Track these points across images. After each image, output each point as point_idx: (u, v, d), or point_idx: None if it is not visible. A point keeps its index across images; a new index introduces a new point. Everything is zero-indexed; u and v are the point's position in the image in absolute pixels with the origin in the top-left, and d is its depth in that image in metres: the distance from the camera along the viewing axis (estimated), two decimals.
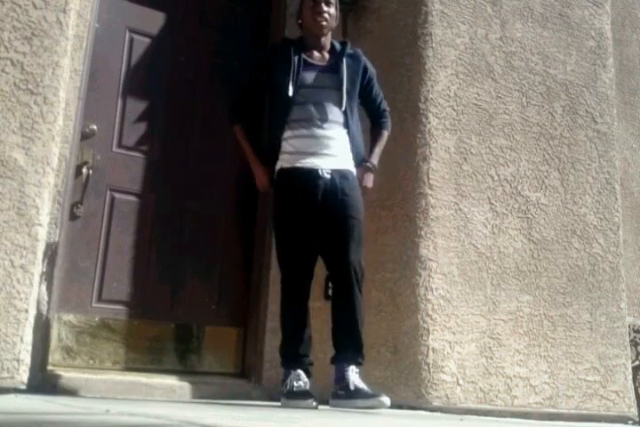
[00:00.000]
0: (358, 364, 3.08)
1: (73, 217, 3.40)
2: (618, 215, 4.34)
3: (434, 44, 3.85)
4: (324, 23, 3.25)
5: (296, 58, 3.19)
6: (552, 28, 4.35)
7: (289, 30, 3.91)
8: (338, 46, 3.33)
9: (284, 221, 3.15)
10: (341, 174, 3.16)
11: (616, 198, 4.35)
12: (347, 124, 3.22)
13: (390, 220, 3.70)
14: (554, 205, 4.10)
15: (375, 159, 3.33)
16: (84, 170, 3.42)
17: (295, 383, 3.00)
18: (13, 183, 2.77)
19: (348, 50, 3.31)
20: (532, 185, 4.04)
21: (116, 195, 3.59)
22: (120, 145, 3.64)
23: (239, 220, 3.89)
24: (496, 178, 3.92)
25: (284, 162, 3.18)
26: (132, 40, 3.75)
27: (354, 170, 3.23)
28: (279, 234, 3.18)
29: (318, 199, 3.11)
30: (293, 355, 3.10)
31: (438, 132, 3.76)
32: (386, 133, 3.41)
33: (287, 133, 3.17)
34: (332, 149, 3.17)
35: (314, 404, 2.94)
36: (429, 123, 3.75)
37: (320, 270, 3.64)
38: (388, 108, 3.46)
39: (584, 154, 4.29)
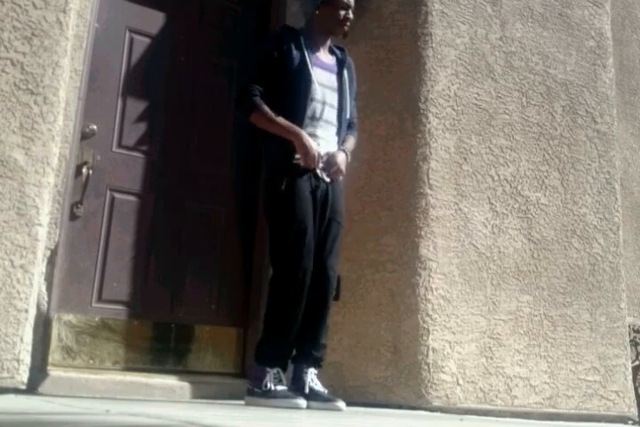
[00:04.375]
0: (318, 366, 3.08)
1: (73, 217, 3.40)
2: (618, 215, 4.34)
3: (434, 44, 3.85)
4: (347, 29, 3.32)
5: (307, 52, 3.17)
6: (552, 28, 4.34)
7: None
8: (336, 50, 3.34)
9: (295, 218, 3.05)
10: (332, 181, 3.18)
11: (616, 198, 4.35)
12: (340, 128, 3.23)
13: (390, 220, 3.70)
14: (554, 205, 4.10)
15: (348, 147, 3.27)
16: (84, 170, 3.41)
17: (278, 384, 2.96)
18: (13, 183, 2.77)
19: (348, 57, 3.36)
20: (531, 185, 4.04)
21: (116, 195, 3.59)
22: (120, 145, 3.63)
23: (239, 220, 3.89)
24: (496, 178, 3.92)
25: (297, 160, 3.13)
26: (131, 40, 3.74)
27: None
28: (288, 230, 3.05)
29: (319, 200, 3.12)
30: (283, 355, 3.06)
31: (438, 132, 3.76)
32: (353, 139, 3.35)
33: (306, 131, 3.12)
34: (326, 150, 3.17)
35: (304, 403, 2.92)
36: (429, 123, 3.75)
37: None
38: (357, 125, 3.43)
39: (584, 154, 4.29)
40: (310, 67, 3.14)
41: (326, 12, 3.28)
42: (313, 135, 3.13)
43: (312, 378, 3.04)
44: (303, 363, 3.05)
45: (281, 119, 3.08)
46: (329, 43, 3.34)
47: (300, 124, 3.10)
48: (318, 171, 3.11)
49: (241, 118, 3.37)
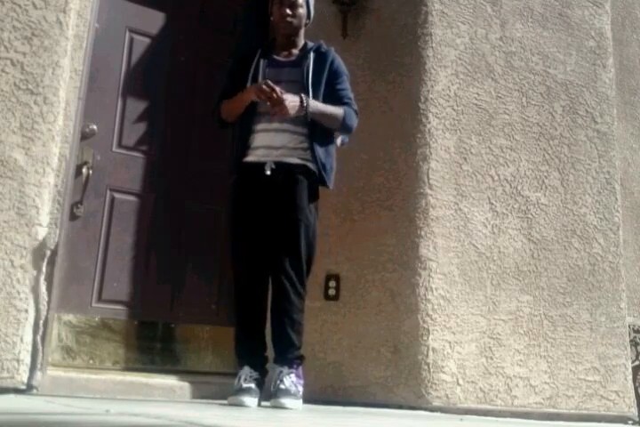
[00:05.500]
0: (291, 366, 2.99)
1: (73, 217, 3.40)
2: (618, 215, 4.34)
3: (434, 44, 3.85)
4: (288, 25, 3.25)
5: (260, 55, 3.21)
6: (552, 28, 4.34)
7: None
8: (311, 45, 3.30)
9: (238, 218, 3.11)
10: (286, 169, 3.07)
11: (616, 198, 4.35)
12: (307, 119, 3.11)
13: (390, 220, 3.70)
14: (554, 205, 4.10)
15: (318, 103, 3.12)
16: (84, 170, 3.41)
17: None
18: (13, 183, 2.77)
19: (321, 48, 3.27)
20: (532, 185, 4.04)
21: (116, 195, 3.59)
22: (120, 145, 3.64)
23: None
24: (496, 178, 3.92)
25: (250, 157, 3.13)
26: (131, 40, 3.75)
27: (310, 165, 3.10)
28: (235, 230, 3.12)
29: (259, 194, 3.06)
30: (247, 353, 3.07)
31: (438, 132, 3.76)
32: (338, 109, 3.17)
33: (254, 127, 3.13)
34: (277, 142, 3.10)
35: (254, 403, 2.89)
36: (429, 123, 3.75)
37: (320, 270, 3.64)
38: (356, 108, 3.27)
39: (584, 154, 4.29)
40: (255, 69, 3.17)
41: (273, 13, 3.31)
42: (263, 130, 3.12)
43: (282, 377, 2.96)
44: (275, 363, 3.04)
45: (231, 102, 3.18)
46: (297, 41, 3.29)
47: (248, 122, 3.13)
48: (266, 164, 3.06)
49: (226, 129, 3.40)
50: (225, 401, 2.93)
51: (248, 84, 3.14)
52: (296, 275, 3.02)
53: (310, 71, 3.16)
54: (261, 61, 3.21)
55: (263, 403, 2.94)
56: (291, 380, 2.94)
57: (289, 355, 3.00)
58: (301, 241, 3.04)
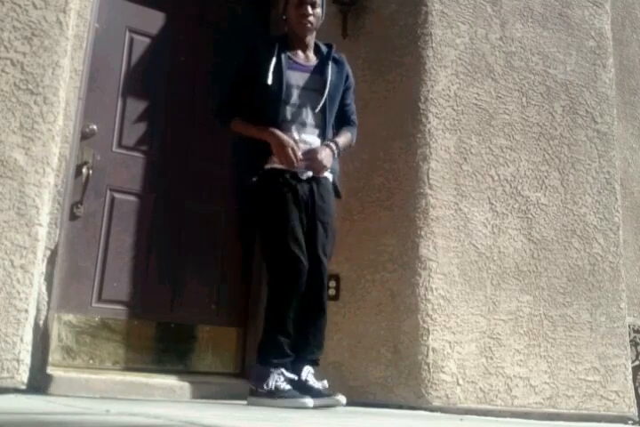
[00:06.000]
0: (315, 365, 3.07)
1: (73, 217, 3.40)
2: (618, 215, 4.34)
3: (434, 44, 3.85)
4: (309, 25, 3.22)
5: (282, 56, 3.15)
6: (552, 28, 4.34)
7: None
8: (323, 48, 3.29)
9: (280, 217, 3.05)
10: (315, 177, 3.13)
11: (616, 198, 4.35)
12: (323, 130, 3.17)
13: (390, 220, 3.70)
14: (554, 205, 4.10)
15: (340, 141, 3.20)
16: (84, 170, 3.42)
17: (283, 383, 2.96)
18: (13, 183, 2.77)
19: (334, 54, 3.28)
20: (532, 185, 4.04)
21: (116, 195, 3.59)
22: (120, 145, 3.64)
23: (239, 220, 3.89)
24: (496, 178, 3.92)
25: (275, 163, 3.10)
26: (131, 40, 3.75)
27: (329, 176, 3.20)
28: (277, 229, 3.05)
29: (301, 203, 3.08)
30: (285, 354, 3.03)
31: (438, 132, 3.76)
32: (349, 135, 3.30)
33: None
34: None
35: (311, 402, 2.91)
36: (429, 123, 3.75)
37: None
38: (356, 122, 3.37)
39: (584, 154, 4.29)
40: (284, 71, 3.11)
41: (289, 13, 3.26)
42: (298, 140, 3.11)
43: (309, 377, 3.03)
44: (300, 363, 3.05)
45: (251, 126, 3.13)
46: (310, 43, 3.27)
47: (276, 128, 3.08)
48: (298, 170, 3.08)
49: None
50: (225, 401, 2.92)
51: (269, 80, 3.06)
52: (326, 278, 3.13)
53: (329, 81, 3.19)
54: (282, 61, 3.14)
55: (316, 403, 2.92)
56: (316, 379, 3.03)
57: (318, 355, 3.08)
58: (331, 247, 3.16)
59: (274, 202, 3.07)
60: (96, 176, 3.49)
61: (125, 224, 3.59)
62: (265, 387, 2.93)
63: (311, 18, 3.21)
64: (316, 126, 3.17)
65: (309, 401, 2.88)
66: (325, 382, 3.06)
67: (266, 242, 3.12)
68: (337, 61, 3.27)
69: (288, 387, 2.94)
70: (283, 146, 3.04)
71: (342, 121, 3.33)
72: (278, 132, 3.06)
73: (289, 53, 3.20)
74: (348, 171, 3.63)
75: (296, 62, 3.20)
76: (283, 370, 2.98)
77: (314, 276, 3.06)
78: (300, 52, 3.25)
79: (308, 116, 3.15)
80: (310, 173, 3.11)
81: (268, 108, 3.11)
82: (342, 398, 2.97)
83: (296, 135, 3.11)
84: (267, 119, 3.10)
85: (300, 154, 3.05)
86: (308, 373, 3.04)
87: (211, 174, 3.82)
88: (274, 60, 3.11)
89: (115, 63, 3.67)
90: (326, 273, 3.12)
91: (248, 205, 3.23)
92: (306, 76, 3.18)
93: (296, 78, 3.15)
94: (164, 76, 3.81)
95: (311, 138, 3.15)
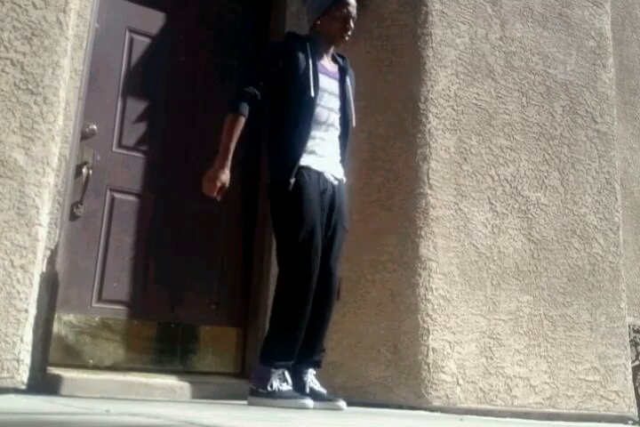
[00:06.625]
0: (317, 367, 3.10)
1: (73, 217, 3.40)
2: (618, 215, 4.34)
3: (434, 44, 3.85)
4: (346, 40, 3.33)
5: (313, 59, 3.19)
6: (552, 28, 4.34)
7: (289, 30, 3.90)
8: (339, 59, 3.37)
9: (306, 215, 3.04)
10: (340, 181, 3.23)
11: (616, 198, 4.35)
12: (343, 133, 3.28)
13: (390, 220, 3.70)
14: (554, 205, 4.10)
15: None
16: (84, 170, 3.41)
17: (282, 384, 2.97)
18: (13, 183, 2.77)
19: (347, 61, 3.39)
20: (532, 185, 4.04)
21: (116, 195, 3.59)
22: (120, 145, 3.63)
23: (239, 220, 3.89)
24: (496, 178, 3.92)
25: (310, 161, 3.11)
26: (131, 40, 3.75)
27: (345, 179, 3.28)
28: (300, 227, 3.02)
29: (326, 203, 3.14)
30: (290, 355, 3.02)
31: (438, 132, 3.76)
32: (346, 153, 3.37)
33: (313, 134, 3.15)
34: (335, 155, 3.24)
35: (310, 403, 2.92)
36: (429, 123, 3.75)
37: None
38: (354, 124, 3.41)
39: (584, 154, 4.29)
40: (317, 73, 3.17)
41: (328, 22, 3.27)
42: (319, 138, 3.16)
43: (311, 379, 3.06)
44: (302, 364, 3.05)
45: (233, 136, 3.07)
46: (332, 51, 3.35)
47: (308, 127, 3.11)
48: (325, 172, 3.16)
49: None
50: (225, 401, 2.93)
51: (311, 90, 3.11)
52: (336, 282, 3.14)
53: (349, 90, 3.31)
54: (317, 66, 3.19)
55: (316, 405, 2.93)
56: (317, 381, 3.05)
57: (320, 358, 3.10)
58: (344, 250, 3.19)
59: (300, 204, 3.05)
60: (96, 176, 3.49)
61: (125, 224, 3.59)
62: (266, 387, 2.93)
63: (350, 32, 3.31)
64: (337, 128, 3.26)
65: (309, 402, 2.89)
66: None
67: (285, 242, 3.09)
68: (350, 72, 3.38)
69: (288, 388, 2.95)
70: (216, 178, 3.03)
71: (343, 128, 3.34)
72: (224, 169, 3.06)
73: (317, 58, 3.25)
74: (348, 171, 3.63)
75: (324, 67, 3.26)
76: (284, 371, 2.98)
77: (324, 282, 3.07)
78: (325, 57, 3.31)
79: (332, 118, 3.23)
80: (338, 176, 3.21)
81: (305, 108, 3.12)
82: (343, 404, 2.98)
83: (323, 135, 3.18)
84: (302, 118, 3.11)
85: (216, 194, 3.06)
86: (310, 375, 3.07)
87: None
88: (311, 67, 3.15)
89: (115, 63, 3.67)
90: (336, 281, 3.14)
91: (275, 203, 3.15)
92: (330, 81, 3.26)
93: (324, 82, 3.21)
94: (164, 76, 3.81)
95: (333, 137, 3.24)
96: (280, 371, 2.97)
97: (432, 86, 3.80)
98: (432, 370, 3.46)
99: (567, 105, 4.29)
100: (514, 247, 3.89)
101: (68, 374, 3.18)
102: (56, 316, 3.27)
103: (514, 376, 3.72)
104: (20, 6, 2.87)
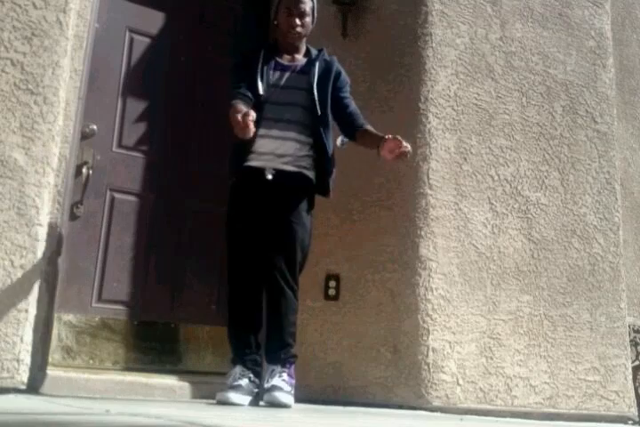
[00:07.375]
0: (283, 365, 3.00)
1: (73, 217, 3.40)
2: (618, 215, 4.34)
3: (434, 44, 3.85)
4: (297, 35, 3.26)
5: (266, 58, 3.19)
6: (552, 28, 4.34)
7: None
8: (314, 52, 3.32)
9: (236, 219, 3.10)
10: (286, 176, 3.10)
11: (616, 198, 4.35)
12: (315, 127, 3.16)
13: (390, 220, 3.70)
14: (554, 205, 4.10)
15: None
16: (84, 170, 3.42)
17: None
18: (13, 183, 2.77)
19: (324, 55, 3.31)
20: (532, 185, 4.04)
21: (116, 195, 3.59)
22: (120, 145, 3.64)
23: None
24: (496, 178, 3.92)
25: (254, 161, 3.11)
26: (131, 40, 3.75)
27: (310, 174, 3.16)
28: (233, 231, 3.11)
29: (259, 198, 3.07)
30: (242, 354, 3.05)
31: (438, 132, 3.76)
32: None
33: (258, 132, 3.05)
34: (281, 150, 3.12)
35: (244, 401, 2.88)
36: (429, 123, 3.75)
37: (320, 270, 3.65)
38: (359, 112, 3.33)
39: (584, 154, 4.29)
40: (262, 71, 3.13)
41: (280, 18, 3.28)
42: (268, 136, 3.10)
43: (274, 376, 2.97)
44: (269, 362, 3.04)
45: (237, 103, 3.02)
46: (300, 46, 3.30)
47: (256, 126, 3.00)
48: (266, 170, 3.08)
49: None
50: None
51: (260, 88, 3.09)
52: (290, 275, 3.04)
53: (316, 79, 3.19)
54: (268, 64, 3.17)
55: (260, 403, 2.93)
56: (282, 378, 2.94)
57: (282, 354, 3.01)
58: (297, 242, 3.06)
59: (233, 204, 3.12)
60: (96, 176, 3.49)
61: (125, 224, 3.59)
62: (226, 384, 2.96)
63: (299, 29, 3.24)
64: (303, 123, 3.16)
65: (233, 396, 2.85)
66: (289, 382, 2.98)
67: (226, 240, 3.14)
68: (326, 61, 3.29)
69: (239, 383, 2.93)
70: (233, 114, 2.90)
71: (348, 120, 3.30)
72: (237, 108, 2.96)
73: (276, 56, 3.23)
74: (348, 171, 3.63)
75: (279, 63, 3.23)
76: (242, 368, 2.98)
77: (271, 276, 3.02)
78: (286, 55, 3.27)
79: (290, 113, 3.14)
80: (273, 172, 3.08)
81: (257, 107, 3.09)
82: (287, 400, 2.89)
83: (273, 132, 3.11)
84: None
85: (251, 123, 2.88)
86: (273, 371, 2.98)
87: (211, 174, 3.82)
88: (259, 68, 3.15)
89: (115, 63, 3.67)
90: (288, 272, 3.03)
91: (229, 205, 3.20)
92: (291, 75, 3.20)
93: (277, 78, 3.17)
94: (164, 76, 3.81)
95: (288, 135, 3.14)
96: (237, 368, 2.99)
97: (432, 86, 3.80)
98: (432, 370, 3.46)
99: (567, 105, 4.29)
100: (514, 247, 3.89)
101: (67, 374, 3.18)
102: (56, 316, 3.27)
103: (514, 376, 3.72)
104: (19, 6, 2.87)
